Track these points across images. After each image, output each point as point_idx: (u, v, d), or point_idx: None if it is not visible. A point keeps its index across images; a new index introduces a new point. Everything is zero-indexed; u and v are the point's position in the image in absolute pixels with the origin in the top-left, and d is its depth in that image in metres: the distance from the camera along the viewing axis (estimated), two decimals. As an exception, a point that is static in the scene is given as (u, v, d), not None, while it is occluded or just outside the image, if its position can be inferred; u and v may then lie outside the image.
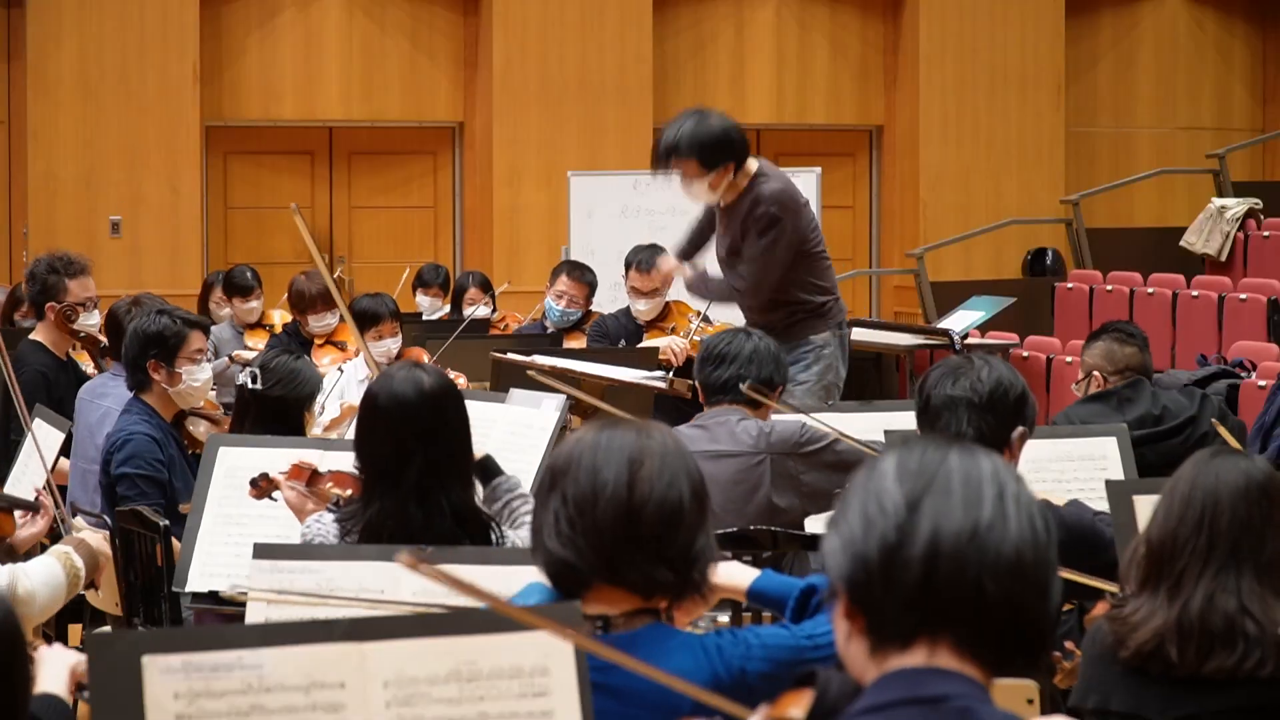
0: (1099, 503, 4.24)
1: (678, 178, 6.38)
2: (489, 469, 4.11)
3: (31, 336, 6.78)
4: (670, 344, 7.43)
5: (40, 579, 4.02)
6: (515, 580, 2.90)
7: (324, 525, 3.72)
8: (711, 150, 6.28)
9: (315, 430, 5.44)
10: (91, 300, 6.70)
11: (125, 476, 5.21)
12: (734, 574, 2.97)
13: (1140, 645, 3.07)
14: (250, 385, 5.00)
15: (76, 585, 4.10)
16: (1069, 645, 3.46)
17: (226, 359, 8.11)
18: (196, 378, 5.40)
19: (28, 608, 3.94)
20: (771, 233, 6.31)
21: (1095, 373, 5.52)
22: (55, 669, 2.74)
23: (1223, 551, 3.06)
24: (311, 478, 4.06)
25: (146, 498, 5.14)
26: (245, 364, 5.16)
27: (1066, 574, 3.63)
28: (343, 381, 7.24)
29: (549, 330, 8.25)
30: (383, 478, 3.61)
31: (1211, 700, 3.02)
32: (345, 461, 4.23)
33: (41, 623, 4.26)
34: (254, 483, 4.22)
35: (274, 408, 4.96)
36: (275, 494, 4.18)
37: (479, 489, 3.86)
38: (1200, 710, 3.03)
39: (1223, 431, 5.03)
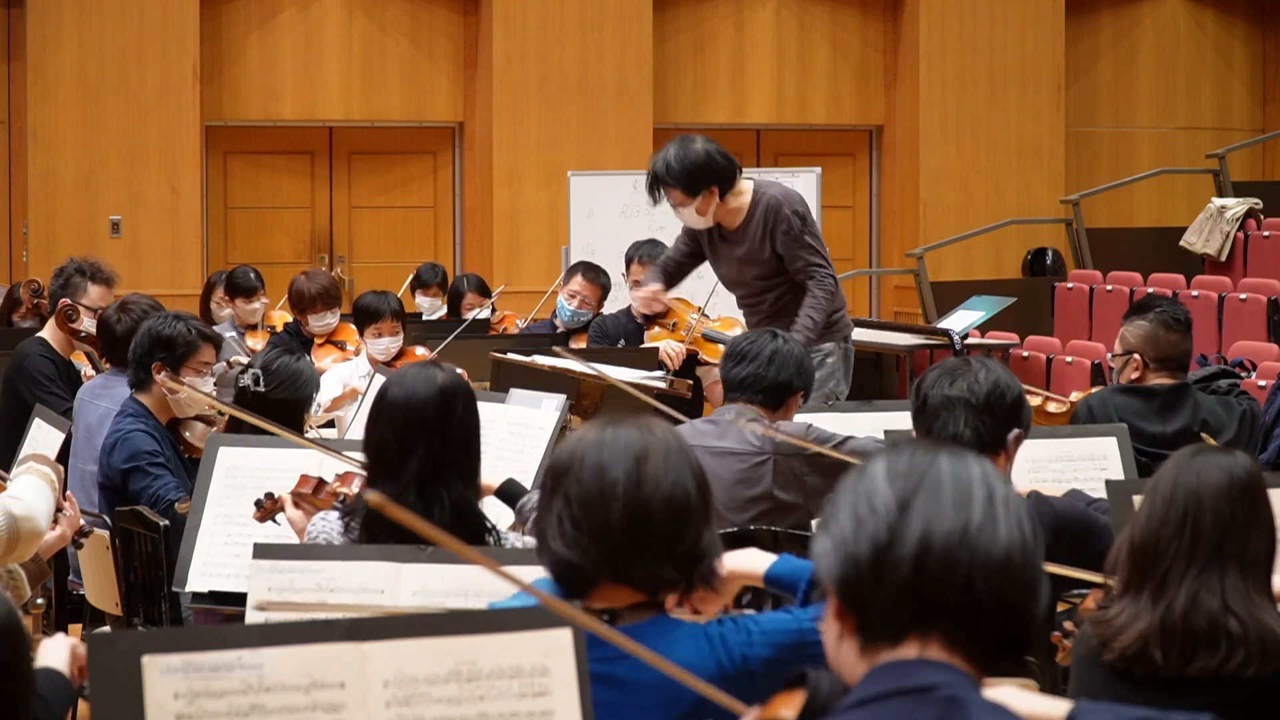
0: (1099, 503, 4.24)
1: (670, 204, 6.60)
2: (512, 494, 4.11)
3: (39, 334, 6.86)
4: (666, 347, 7.43)
5: (30, 493, 3.97)
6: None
7: (328, 522, 3.73)
8: (693, 176, 6.44)
9: (314, 411, 5.45)
10: (102, 310, 6.73)
11: (135, 470, 5.21)
12: (750, 560, 2.97)
13: (1124, 649, 3.06)
14: (254, 388, 5.00)
15: (55, 491, 4.09)
16: (1068, 625, 3.47)
17: (225, 363, 8.10)
18: (198, 389, 5.40)
19: (32, 524, 3.90)
20: (808, 224, 6.52)
21: (1136, 355, 5.37)
22: (56, 648, 2.77)
23: (1206, 552, 3.04)
24: (318, 486, 4.06)
25: (162, 479, 5.16)
26: (246, 366, 5.13)
27: (1060, 570, 3.63)
28: (345, 374, 7.25)
29: (558, 329, 8.24)
30: (385, 467, 3.62)
31: (1196, 700, 3.01)
32: (344, 463, 4.24)
33: (42, 566, 4.18)
34: (258, 504, 4.19)
35: (276, 410, 4.96)
36: (279, 517, 4.17)
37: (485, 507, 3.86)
38: (1186, 710, 3.02)
39: (1211, 444, 4.99)
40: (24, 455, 5.46)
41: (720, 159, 6.48)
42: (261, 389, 5.00)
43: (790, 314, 6.51)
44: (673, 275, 6.98)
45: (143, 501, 5.13)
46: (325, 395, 6.92)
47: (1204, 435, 5.11)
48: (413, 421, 3.60)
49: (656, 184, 6.50)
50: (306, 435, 5.03)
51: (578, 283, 8.25)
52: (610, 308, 8.81)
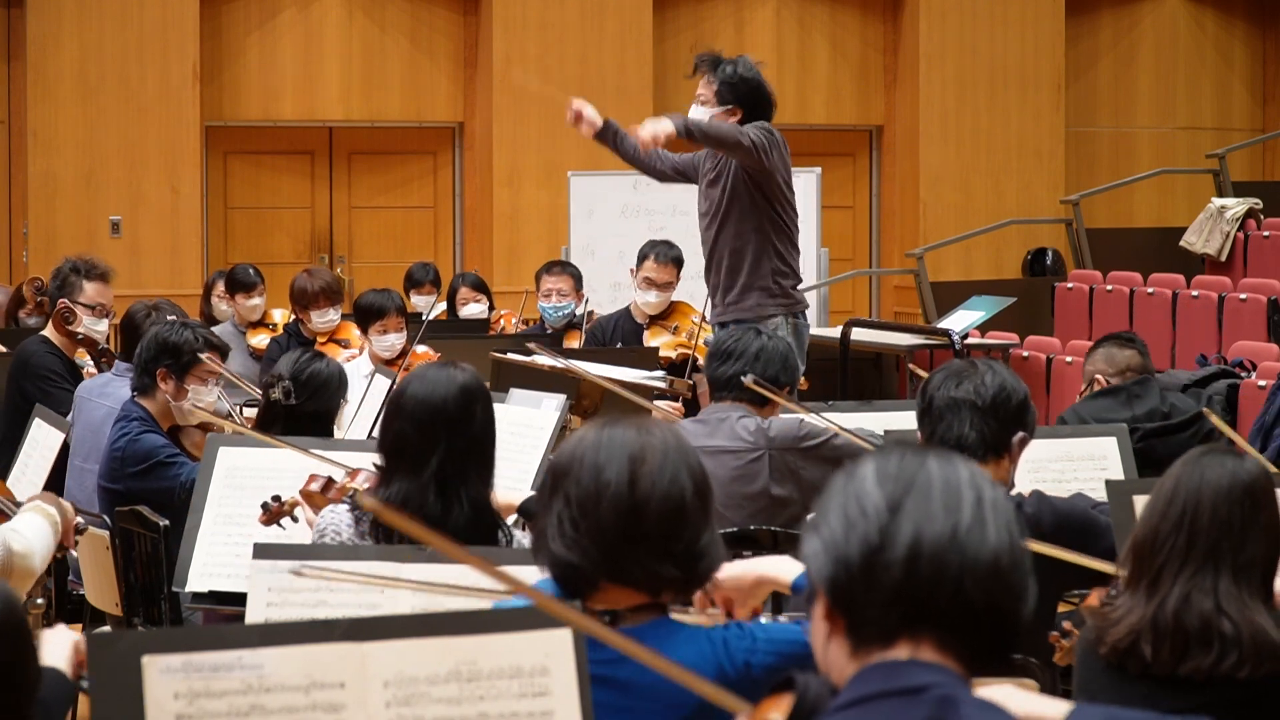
0: (1099, 503, 4.24)
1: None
2: (532, 511, 4.12)
3: (41, 334, 6.85)
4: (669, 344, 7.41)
5: (31, 532, 3.97)
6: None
7: (337, 515, 3.73)
8: (736, 89, 6.46)
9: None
10: (103, 307, 6.72)
11: (154, 466, 5.22)
12: (781, 568, 2.94)
13: (1116, 642, 3.08)
14: (284, 401, 4.97)
15: (58, 533, 4.08)
16: (1067, 625, 3.47)
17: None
18: (201, 399, 5.39)
19: (27, 561, 3.90)
20: (763, 130, 6.38)
21: (1098, 377, 5.59)
22: (57, 645, 2.76)
23: (1201, 551, 3.05)
24: (327, 484, 4.05)
25: (187, 465, 5.19)
26: (277, 378, 5.08)
27: (1068, 556, 3.64)
28: (348, 373, 7.23)
29: (549, 332, 8.24)
30: (405, 464, 3.61)
31: (1189, 699, 3.02)
32: (345, 463, 4.23)
33: (40, 577, 4.20)
34: (265, 507, 4.17)
35: (307, 420, 4.94)
36: (284, 521, 4.16)
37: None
38: (1179, 708, 3.03)
39: (1216, 421, 5.05)
40: (25, 471, 5.46)
41: (764, 94, 6.50)
42: (293, 402, 4.97)
43: (731, 271, 6.52)
44: (620, 141, 6.93)
45: (176, 495, 5.12)
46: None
47: (1210, 415, 5.16)
48: (435, 419, 3.60)
49: (712, 68, 6.46)
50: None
51: (547, 282, 8.31)
52: (610, 306, 8.81)
